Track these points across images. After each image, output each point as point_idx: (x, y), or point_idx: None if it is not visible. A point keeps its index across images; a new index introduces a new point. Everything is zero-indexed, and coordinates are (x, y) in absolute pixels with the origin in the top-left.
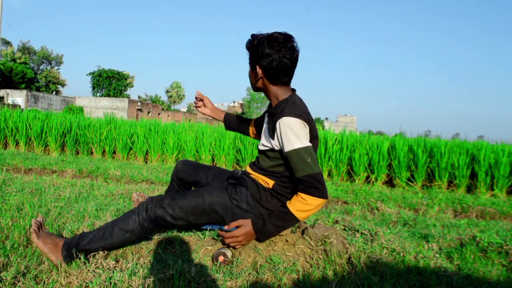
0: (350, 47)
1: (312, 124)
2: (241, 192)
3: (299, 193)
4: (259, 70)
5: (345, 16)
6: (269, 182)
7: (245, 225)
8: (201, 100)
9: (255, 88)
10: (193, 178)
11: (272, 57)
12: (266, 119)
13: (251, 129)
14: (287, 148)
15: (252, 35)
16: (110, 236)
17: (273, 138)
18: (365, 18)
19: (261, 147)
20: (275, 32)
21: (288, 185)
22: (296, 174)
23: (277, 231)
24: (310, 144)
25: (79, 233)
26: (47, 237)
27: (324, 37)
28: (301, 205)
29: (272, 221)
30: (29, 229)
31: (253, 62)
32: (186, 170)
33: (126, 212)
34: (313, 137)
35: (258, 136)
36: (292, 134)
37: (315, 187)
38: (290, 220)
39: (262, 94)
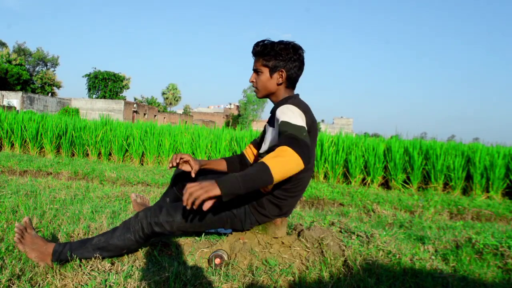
0: (347, 49)
1: (311, 119)
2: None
3: (277, 148)
4: (283, 74)
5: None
6: (268, 185)
7: (212, 187)
8: (185, 161)
9: (267, 94)
10: (192, 181)
11: (296, 64)
12: (267, 127)
13: (250, 152)
14: (281, 119)
15: (270, 41)
16: (104, 252)
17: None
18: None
19: (265, 148)
20: (291, 42)
21: (289, 186)
22: (281, 134)
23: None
24: (305, 126)
25: (74, 235)
26: (33, 243)
27: (321, 38)
28: (279, 159)
29: (244, 183)
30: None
31: (275, 67)
32: (186, 172)
33: (119, 227)
34: (313, 134)
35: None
36: (288, 113)
37: (297, 144)
38: (262, 180)
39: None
